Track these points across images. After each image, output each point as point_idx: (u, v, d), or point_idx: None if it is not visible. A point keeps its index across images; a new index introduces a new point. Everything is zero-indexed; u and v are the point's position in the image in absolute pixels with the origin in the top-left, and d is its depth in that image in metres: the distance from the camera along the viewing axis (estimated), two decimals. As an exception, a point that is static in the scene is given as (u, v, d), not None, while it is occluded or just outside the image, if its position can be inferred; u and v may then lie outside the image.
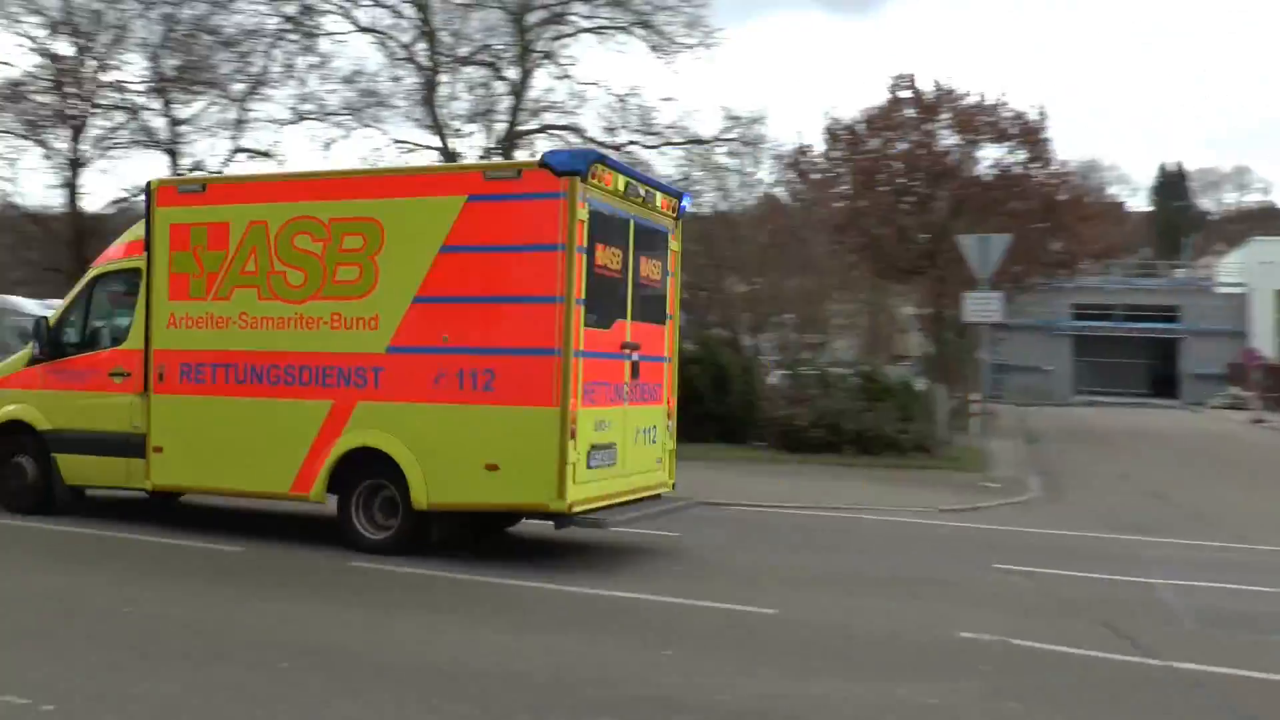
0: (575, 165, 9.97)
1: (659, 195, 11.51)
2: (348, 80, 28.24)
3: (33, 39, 29.67)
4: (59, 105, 29.96)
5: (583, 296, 9.96)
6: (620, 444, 10.79)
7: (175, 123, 29.26)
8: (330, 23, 28.30)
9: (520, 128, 28.50)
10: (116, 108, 30.34)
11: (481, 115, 28.66)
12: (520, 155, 28.69)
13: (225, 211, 11.40)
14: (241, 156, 29.45)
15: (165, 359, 11.48)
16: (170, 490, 12.11)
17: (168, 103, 29.09)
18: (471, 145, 29.21)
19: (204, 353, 11.30)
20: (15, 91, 29.78)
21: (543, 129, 29.09)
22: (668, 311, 11.77)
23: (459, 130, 28.77)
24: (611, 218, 10.55)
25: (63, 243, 31.18)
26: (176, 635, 7.47)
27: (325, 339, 10.73)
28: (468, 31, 28.15)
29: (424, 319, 10.37)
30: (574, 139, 29.08)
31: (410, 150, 29.09)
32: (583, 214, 9.94)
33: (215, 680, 6.45)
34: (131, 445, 11.58)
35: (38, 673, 6.42)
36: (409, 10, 27.98)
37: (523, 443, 9.91)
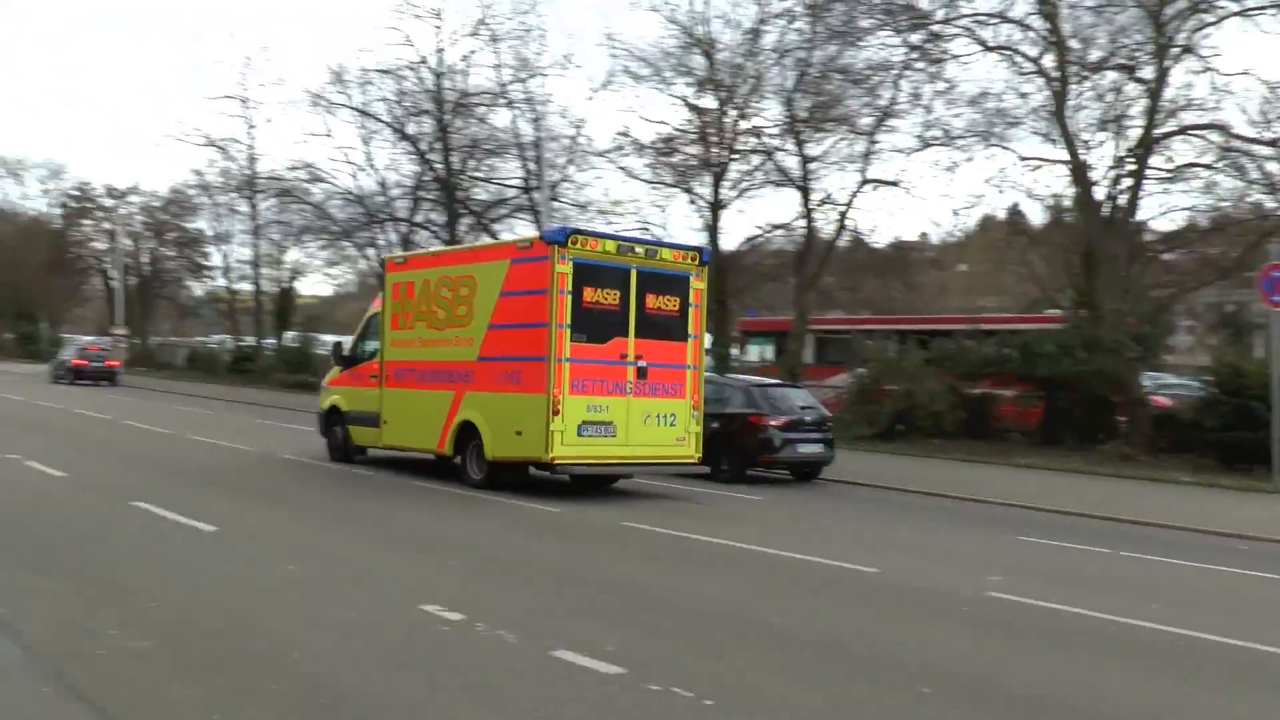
0: (556, 237, 15.03)
1: (664, 250, 16.23)
2: (973, 102, 27.98)
3: (682, 98, 32.77)
4: (703, 155, 32.73)
5: (567, 322, 14.80)
6: (621, 423, 15.33)
7: (806, 161, 30.71)
8: (956, 46, 28.19)
9: (1156, 131, 26.41)
10: (753, 151, 32.58)
11: (1111, 122, 27.02)
12: (1155, 160, 26.98)
13: (413, 274, 18.04)
14: (868, 188, 30.24)
15: (389, 367, 18.08)
16: (389, 448, 18.42)
17: (800, 142, 30.64)
18: (1101, 156, 27.75)
19: (403, 362, 17.77)
20: (668, 146, 33.03)
21: (1181, 130, 26.74)
22: (690, 332, 15.99)
23: (1087, 141, 27.38)
24: (603, 269, 15.19)
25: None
26: (818, 650, 7.66)
27: (451, 353, 16.59)
28: (1098, 36, 26.70)
29: (494, 339, 15.91)
30: (1215, 138, 26.57)
31: (1036, 167, 28.23)
32: (564, 269, 14.79)
33: (857, 698, 6.50)
34: (377, 420, 18.06)
35: (702, 670, 6.84)
36: (1036, 22, 27.10)
37: (530, 417, 14.99)
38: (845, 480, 19.53)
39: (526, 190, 39.35)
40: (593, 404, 15.03)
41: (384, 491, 15.92)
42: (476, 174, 41.53)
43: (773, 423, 18.37)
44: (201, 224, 63.31)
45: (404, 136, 41.66)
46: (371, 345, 18.89)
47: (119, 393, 42.11)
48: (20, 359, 71.20)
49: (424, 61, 40.07)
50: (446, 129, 40.34)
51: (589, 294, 15.02)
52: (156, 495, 13.80)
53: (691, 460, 16.05)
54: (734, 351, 35.37)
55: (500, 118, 40.46)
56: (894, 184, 30.45)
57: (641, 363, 15.39)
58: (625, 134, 34.25)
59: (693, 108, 32.93)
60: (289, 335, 54.10)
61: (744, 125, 32.36)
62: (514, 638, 7.45)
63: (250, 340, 56.80)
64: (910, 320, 34.16)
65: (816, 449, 18.80)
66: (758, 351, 35.96)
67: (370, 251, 43.53)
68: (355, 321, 21.44)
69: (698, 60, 32.32)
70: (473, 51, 40.38)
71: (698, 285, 16.03)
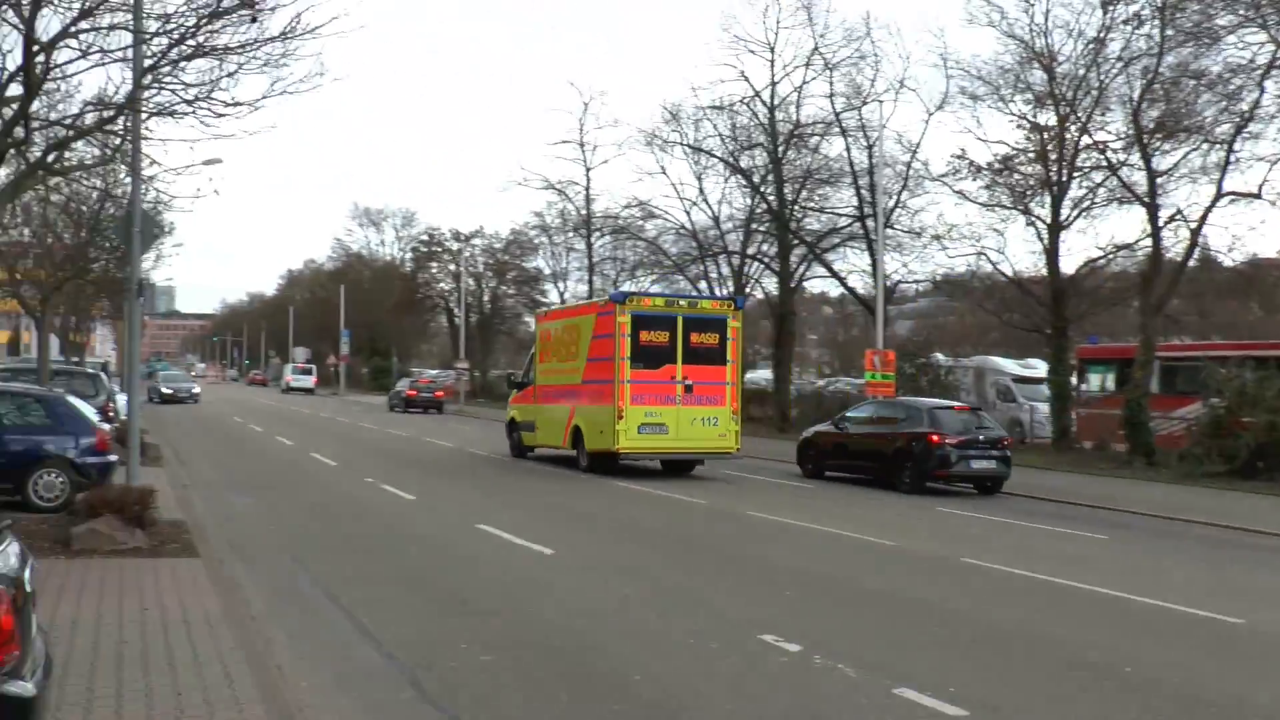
0: (618, 298, 22.16)
1: (704, 301, 25.87)
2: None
3: (1020, 115, 31.43)
4: (1042, 174, 31.25)
5: (628, 356, 21.19)
6: (673, 424, 21.44)
7: (1153, 175, 28.70)
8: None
9: None
10: (1095, 168, 30.78)
11: None
12: None
13: (551, 324, 26.09)
14: (1224, 201, 27.91)
15: (538, 389, 25.39)
16: (538, 446, 25.38)
17: (1147, 156, 28.63)
18: None
19: (545, 386, 25.00)
20: (1005, 166, 31.75)
21: None
22: (728, 359, 22.00)
23: None
24: (655, 317, 21.65)
25: (1041, 304, 32.33)
26: (1180, 705, 7.08)
27: (568, 379, 23.52)
28: None
29: (589, 369, 22.58)
30: None
31: None
32: (623, 319, 21.25)
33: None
34: (534, 427, 25.42)
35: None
36: None
37: (606, 421, 21.54)
38: (1199, 520, 17.97)
39: (860, 219, 38.80)
40: (648, 411, 21.38)
41: (669, 511, 16.10)
42: (809, 204, 41.15)
43: (949, 441, 20.66)
44: (539, 262, 66.64)
45: (737, 170, 41.96)
46: (534, 374, 26.09)
47: (454, 420, 45.28)
48: (373, 391, 76.97)
49: (757, 95, 40.32)
50: (779, 161, 40.33)
51: (644, 335, 21.46)
52: (498, 518, 14.52)
53: (730, 450, 22.11)
54: (1073, 380, 33.46)
55: (833, 147, 40.08)
56: (1255, 196, 27.94)
57: (688, 381, 21.63)
58: (961, 156, 33.06)
59: (1032, 125, 31.54)
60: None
61: (1086, 140, 30.65)
62: (853, 672, 7.25)
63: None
64: (1270, 345, 31.20)
65: (989, 465, 21.06)
66: (1098, 380, 33.84)
67: (702, 285, 43.93)
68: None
69: (1037, 75, 30.84)
70: (806, 82, 39.87)
71: (734, 324, 22.28)
